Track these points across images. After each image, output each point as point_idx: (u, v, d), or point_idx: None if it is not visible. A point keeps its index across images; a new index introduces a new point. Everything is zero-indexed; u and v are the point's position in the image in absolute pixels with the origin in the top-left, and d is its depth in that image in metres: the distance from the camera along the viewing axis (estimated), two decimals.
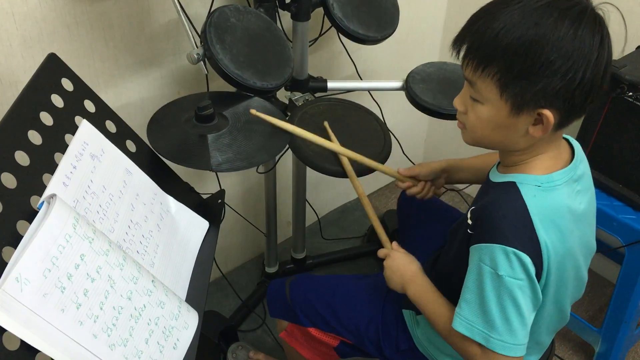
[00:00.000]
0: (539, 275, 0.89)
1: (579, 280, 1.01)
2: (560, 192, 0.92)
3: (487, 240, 0.89)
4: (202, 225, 1.09)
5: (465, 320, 0.91)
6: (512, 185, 0.92)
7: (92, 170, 0.89)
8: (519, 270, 0.87)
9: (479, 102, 0.90)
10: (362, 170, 1.24)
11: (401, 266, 1.09)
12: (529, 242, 0.88)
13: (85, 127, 0.92)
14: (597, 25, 0.83)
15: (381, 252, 1.15)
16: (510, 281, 0.87)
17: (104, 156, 0.93)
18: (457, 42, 0.90)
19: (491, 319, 0.89)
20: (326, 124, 1.27)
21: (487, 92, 0.87)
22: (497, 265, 0.87)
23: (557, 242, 0.90)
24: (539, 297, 0.90)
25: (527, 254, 0.87)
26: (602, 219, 1.39)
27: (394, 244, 1.17)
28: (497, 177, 0.98)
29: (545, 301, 0.95)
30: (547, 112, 0.85)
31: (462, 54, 0.90)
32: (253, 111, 1.18)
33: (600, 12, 0.85)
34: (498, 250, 0.87)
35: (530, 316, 0.91)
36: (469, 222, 0.95)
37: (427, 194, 1.27)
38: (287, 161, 1.77)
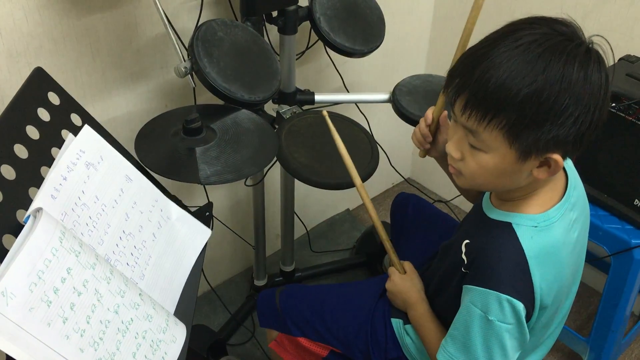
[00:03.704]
0: (529, 315, 0.90)
1: (569, 300, 1.03)
2: (557, 229, 0.91)
3: (481, 284, 0.89)
4: (204, 232, 1.07)
5: (448, 354, 0.93)
6: (509, 227, 0.90)
7: (84, 181, 0.88)
8: (510, 316, 0.87)
9: (481, 151, 0.85)
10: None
11: (403, 292, 1.13)
12: (524, 288, 0.87)
13: (86, 133, 0.91)
14: (601, 63, 0.81)
15: (389, 270, 1.18)
16: (500, 326, 0.87)
17: (102, 164, 0.92)
18: (452, 90, 0.85)
19: (474, 357, 0.90)
20: (325, 112, 1.20)
21: (494, 142, 0.83)
22: (488, 310, 0.87)
23: (553, 280, 0.90)
24: (526, 338, 0.91)
25: (521, 301, 0.87)
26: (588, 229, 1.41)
27: (405, 263, 1.17)
28: (492, 212, 0.95)
29: (536, 328, 0.96)
30: (557, 157, 0.82)
31: (459, 103, 0.84)
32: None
33: (598, 47, 0.82)
34: (491, 297, 0.87)
35: (514, 356, 0.91)
36: (464, 257, 0.94)
37: (424, 142, 1.17)
38: (275, 174, 1.77)
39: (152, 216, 0.99)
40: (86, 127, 0.91)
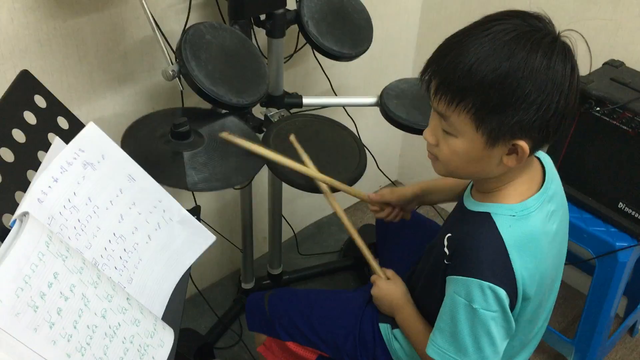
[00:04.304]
0: (513, 304, 0.91)
1: (553, 293, 1.04)
2: (535, 218, 0.93)
3: (463, 273, 0.90)
4: (206, 238, 1.06)
5: (437, 347, 0.94)
6: (487, 217, 0.92)
7: (78, 182, 0.87)
8: (493, 303, 0.88)
9: (452, 135, 0.89)
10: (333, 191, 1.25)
11: (388, 296, 1.13)
12: (505, 275, 0.89)
13: (90, 130, 0.89)
14: (567, 54, 0.84)
15: (372, 278, 1.19)
16: (485, 313, 0.89)
17: (103, 163, 0.91)
18: (427, 76, 0.89)
19: (463, 347, 0.91)
20: (292, 137, 1.25)
21: (462, 125, 0.87)
22: (472, 298, 0.89)
23: (534, 269, 0.91)
24: (512, 326, 0.92)
25: (503, 288, 0.88)
26: (573, 231, 1.42)
27: (387, 270, 1.19)
28: (472, 204, 0.98)
29: (522, 322, 0.97)
30: (522, 143, 0.85)
31: (432, 88, 0.89)
32: (224, 134, 1.17)
33: (567, 39, 0.86)
34: (474, 285, 0.89)
35: (502, 344, 0.92)
36: (446, 250, 0.96)
37: (395, 217, 1.28)
38: (262, 177, 1.77)
39: (152, 217, 0.98)
40: (91, 124, 0.89)
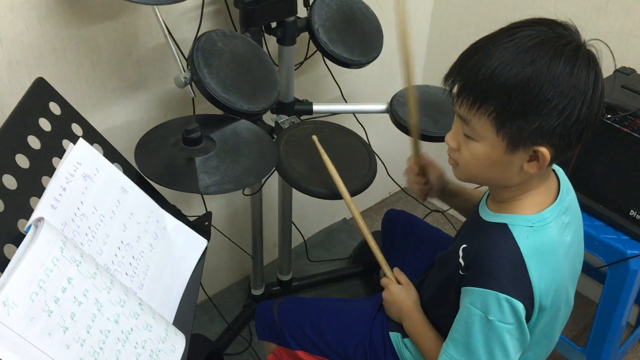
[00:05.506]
0: (529, 316, 0.90)
1: (567, 306, 1.03)
2: (551, 229, 0.92)
3: (480, 284, 0.90)
4: (199, 243, 1.08)
5: (450, 357, 0.93)
6: (504, 228, 0.92)
7: (83, 192, 0.89)
8: (510, 316, 0.88)
9: (473, 140, 0.89)
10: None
11: (398, 301, 1.13)
12: (522, 287, 0.88)
13: (80, 146, 0.91)
14: (592, 63, 0.84)
15: (383, 282, 1.19)
16: (500, 326, 0.88)
17: (98, 175, 0.93)
18: (450, 80, 0.89)
19: (477, 359, 0.90)
20: (315, 138, 1.27)
21: (483, 130, 0.87)
22: (488, 310, 0.88)
23: (550, 280, 0.91)
24: (526, 338, 0.91)
25: (520, 300, 0.87)
26: (584, 238, 1.42)
27: (396, 270, 1.19)
28: (487, 215, 0.98)
29: (536, 333, 0.96)
30: (544, 150, 0.85)
31: (454, 91, 0.89)
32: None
33: (592, 49, 0.85)
34: (491, 297, 0.88)
35: (516, 356, 0.92)
36: (461, 261, 0.95)
37: (421, 192, 1.28)
38: (273, 183, 1.78)
39: (149, 227, 0.99)
40: (81, 141, 0.92)
